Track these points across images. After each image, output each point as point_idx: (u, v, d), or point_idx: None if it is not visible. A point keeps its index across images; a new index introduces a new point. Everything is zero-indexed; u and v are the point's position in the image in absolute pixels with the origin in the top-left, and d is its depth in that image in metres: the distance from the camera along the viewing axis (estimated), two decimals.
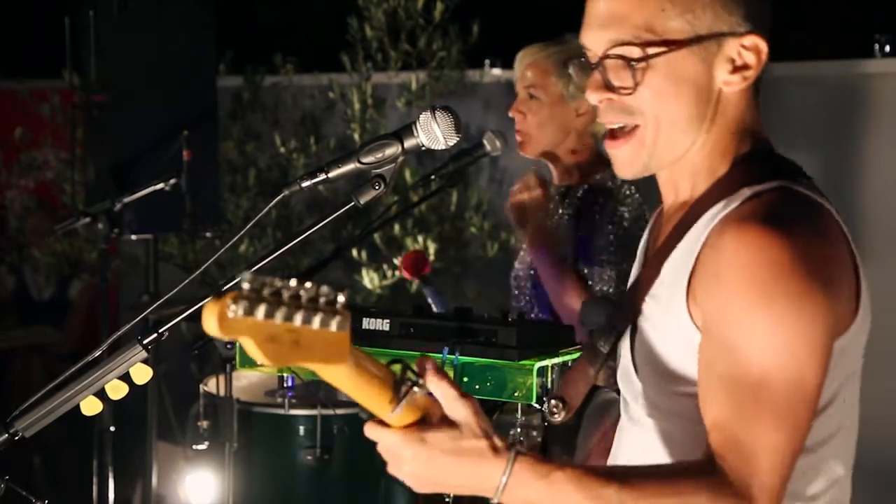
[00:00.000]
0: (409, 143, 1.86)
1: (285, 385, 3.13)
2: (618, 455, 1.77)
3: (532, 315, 3.04)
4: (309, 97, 5.61)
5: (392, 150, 1.85)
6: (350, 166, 1.87)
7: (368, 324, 2.42)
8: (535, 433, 2.49)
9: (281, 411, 3.11)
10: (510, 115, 3.05)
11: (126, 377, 1.92)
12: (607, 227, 2.88)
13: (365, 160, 1.86)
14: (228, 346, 2.74)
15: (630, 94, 1.59)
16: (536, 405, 2.28)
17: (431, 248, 4.95)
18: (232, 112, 5.69)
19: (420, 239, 4.97)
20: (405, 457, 1.44)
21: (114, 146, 4.24)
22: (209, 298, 1.22)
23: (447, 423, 1.45)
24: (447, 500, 2.53)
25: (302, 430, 3.10)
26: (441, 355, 2.28)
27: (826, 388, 1.52)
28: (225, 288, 1.77)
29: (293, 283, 1.24)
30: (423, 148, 1.86)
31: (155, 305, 2.05)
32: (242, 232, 2.09)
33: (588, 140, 3.02)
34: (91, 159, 4.40)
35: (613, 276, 2.84)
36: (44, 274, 6.07)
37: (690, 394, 1.56)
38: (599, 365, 1.80)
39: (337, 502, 3.15)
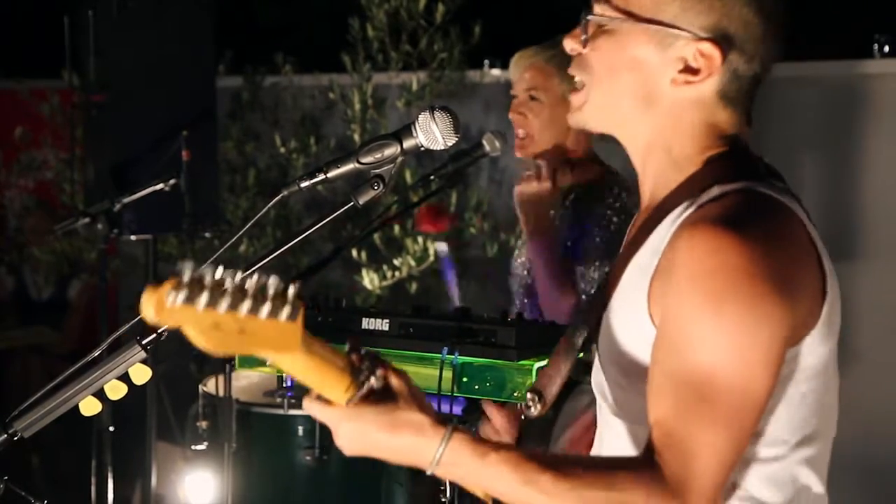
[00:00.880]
0: (408, 144, 1.86)
1: (284, 385, 3.13)
2: (599, 450, 1.76)
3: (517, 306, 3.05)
4: (309, 97, 5.61)
5: (391, 150, 1.86)
6: (349, 167, 1.87)
7: (368, 324, 2.42)
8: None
9: (280, 412, 3.11)
10: (510, 117, 3.05)
11: (125, 377, 1.92)
12: (594, 229, 2.89)
13: (364, 160, 1.86)
14: None
15: (585, 50, 1.66)
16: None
17: (431, 248, 4.95)
18: (231, 112, 5.69)
19: (420, 239, 4.97)
20: (341, 432, 1.47)
21: (113, 146, 4.24)
22: (147, 287, 1.23)
23: (383, 395, 1.46)
24: (444, 500, 2.53)
25: (301, 430, 3.10)
26: (440, 355, 2.28)
27: (786, 394, 1.52)
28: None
29: (238, 274, 1.25)
30: (423, 148, 1.86)
31: None
32: (242, 232, 2.09)
33: (583, 140, 3.03)
34: (90, 159, 4.40)
35: (596, 279, 2.85)
36: (43, 274, 6.08)
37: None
38: (573, 359, 1.80)
39: (335, 502, 3.14)
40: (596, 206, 2.92)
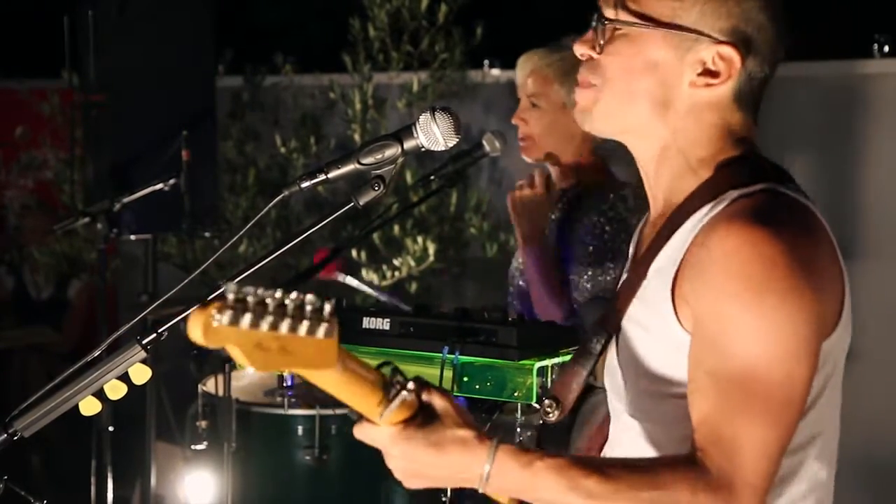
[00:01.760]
0: (408, 144, 1.86)
1: (284, 385, 3.13)
2: (611, 453, 1.77)
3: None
4: (309, 97, 5.61)
5: (392, 151, 1.85)
6: (350, 167, 1.87)
7: (368, 323, 2.42)
8: (532, 433, 2.50)
9: (280, 411, 3.12)
10: (513, 122, 3.06)
11: (125, 377, 1.92)
12: (586, 237, 2.89)
13: (364, 161, 1.86)
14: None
15: (599, 54, 1.65)
16: (536, 405, 2.28)
17: (431, 248, 4.95)
18: (231, 112, 5.68)
19: (420, 239, 4.97)
20: (393, 454, 1.47)
21: (113, 146, 4.24)
22: (194, 308, 1.25)
23: (430, 416, 1.47)
24: (444, 499, 2.53)
25: (300, 430, 3.10)
26: (441, 355, 2.28)
27: (813, 388, 1.52)
28: (209, 298, 1.79)
29: (279, 293, 1.27)
30: (423, 149, 1.86)
31: (154, 306, 2.05)
32: (242, 232, 2.09)
33: (589, 145, 3.02)
34: (90, 159, 4.40)
35: (588, 287, 2.85)
36: (43, 274, 6.07)
37: (673, 395, 1.57)
38: (591, 365, 1.80)
39: (335, 502, 3.15)
40: (589, 213, 2.92)
